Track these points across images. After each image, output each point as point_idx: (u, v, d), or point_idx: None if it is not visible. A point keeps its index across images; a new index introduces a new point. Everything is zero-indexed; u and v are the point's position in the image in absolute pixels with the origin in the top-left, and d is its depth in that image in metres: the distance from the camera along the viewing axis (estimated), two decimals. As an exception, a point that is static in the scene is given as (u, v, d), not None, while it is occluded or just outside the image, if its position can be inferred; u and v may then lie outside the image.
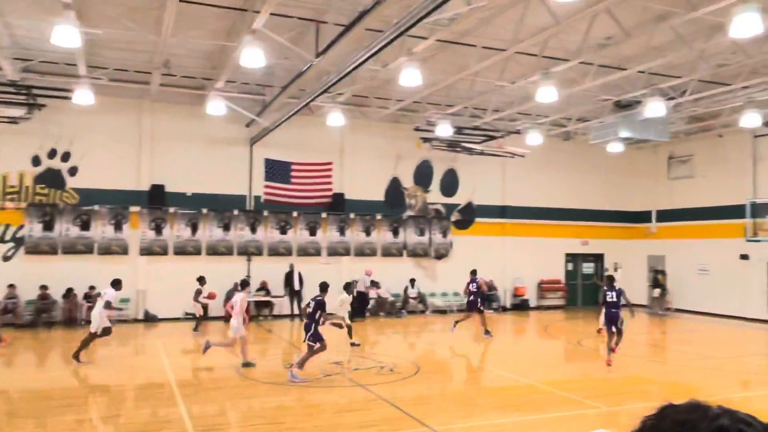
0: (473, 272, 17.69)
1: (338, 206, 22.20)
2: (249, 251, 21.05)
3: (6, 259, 18.70)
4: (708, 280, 23.58)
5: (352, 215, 22.50)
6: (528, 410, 9.64)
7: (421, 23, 10.22)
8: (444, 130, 20.24)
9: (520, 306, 24.69)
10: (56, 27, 11.40)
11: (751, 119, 18.04)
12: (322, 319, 11.41)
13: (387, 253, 23.04)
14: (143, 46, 15.60)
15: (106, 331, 13.02)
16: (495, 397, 10.75)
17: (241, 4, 12.58)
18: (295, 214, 21.71)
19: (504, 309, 24.66)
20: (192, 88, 18.95)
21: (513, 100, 19.94)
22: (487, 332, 16.87)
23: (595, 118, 21.07)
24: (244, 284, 12.91)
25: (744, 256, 22.33)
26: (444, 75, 16.40)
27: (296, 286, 20.67)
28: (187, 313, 18.04)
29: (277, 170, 21.41)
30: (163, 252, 20.04)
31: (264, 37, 11.99)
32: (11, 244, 18.83)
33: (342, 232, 22.33)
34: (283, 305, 20.82)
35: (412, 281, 22.93)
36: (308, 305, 11.80)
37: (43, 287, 18.46)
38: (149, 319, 19.40)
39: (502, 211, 25.19)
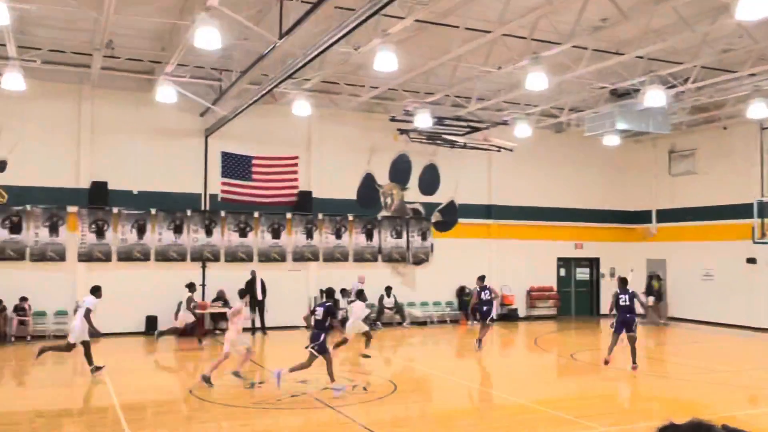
0: (482, 278, 17.98)
1: (305, 206, 22.13)
2: (204, 256, 20.88)
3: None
4: (712, 286, 24.01)
5: (320, 216, 22.45)
6: (517, 432, 9.70)
7: (397, 0, 10.23)
8: (423, 120, 20.28)
9: (508, 316, 24.85)
10: (-19, 1, 11.16)
11: (758, 109, 18.41)
12: (335, 329, 11.95)
13: (360, 258, 23.02)
14: (82, 24, 15.35)
15: (85, 345, 13.35)
16: (480, 419, 10.80)
17: (194, -23, 12.49)
18: (256, 214, 21.60)
19: (491, 319, 24.74)
20: (138, 72, 18.71)
21: (500, 88, 20.05)
22: (479, 341, 17.14)
23: (589, 108, 21.30)
24: (243, 293, 13.39)
25: (751, 260, 22.78)
26: (423, 59, 16.43)
27: (259, 296, 20.58)
28: (161, 332, 17.76)
29: (235, 165, 21.27)
30: (106, 258, 19.78)
31: (220, 15, 11.90)
32: (-71, 250, 18.39)
33: (309, 234, 22.27)
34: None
35: (388, 289, 22.95)
36: (313, 312, 12.24)
37: (-34, 299, 18.08)
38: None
39: (488, 211, 25.34)
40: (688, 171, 25.36)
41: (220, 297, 20.45)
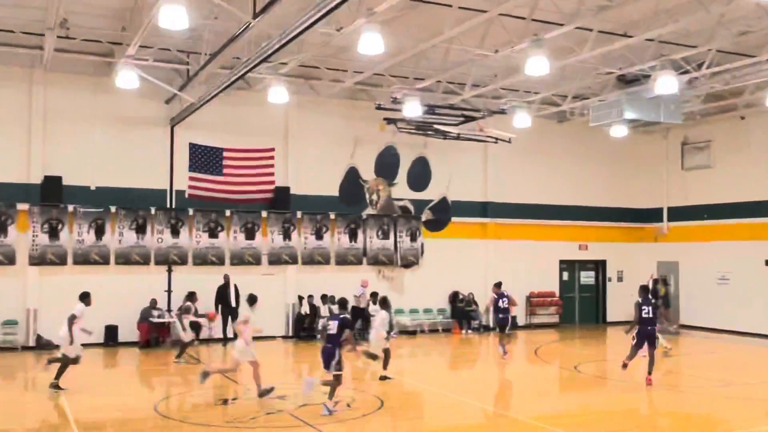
0: (498, 285, 18.37)
1: (282, 203, 22.07)
2: (170, 260, 20.76)
3: None
4: (728, 290, 24.16)
5: (299, 214, 22.39)
6: (515, 451, 9.71)
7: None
8: (412, 109, 20.23)
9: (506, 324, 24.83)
10: None
11: (778, 98, 18.55)
12: (347, 344, 11.86)
13: (342, 260, 22.99)
14: (34, 1, 15.20)
15: (66, 361, 13.54)
16: (475, 436, 10.79)
17: (158, -51, 12.38)
18: (227, 213, 21.51)
19: (486, 328, 24.82)
20: (96, 55, 18.56)
21: (496, 73, 20.06)
22: (503, 347, 17.74)
23: (594, 96, 21.36)
24: (253, 300, 12.93)
25: (770, 262, 23.01)
26: (412, 41, 16.40)
27: (232, 303, 20.51)
28: (180, 353, 17.51)
29: (204, 158, 21.15)
30: (60, 261, 19.62)
31: (188, -8, 11.83)
32: None
33: (287, 235, 22.20)
34: (214, 327, 20.55)
35: (374, 296, 22.89)
36: (325, 327, 12.19)
37: None
38: (42, 346, 18.92)
39: (484, 209, 25.35)
40: (703, 165, 25.49)
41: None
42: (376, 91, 21.75)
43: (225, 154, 21.45)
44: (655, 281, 25.16)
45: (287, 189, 22.20)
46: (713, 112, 23.82)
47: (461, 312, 24.23)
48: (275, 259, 22.06)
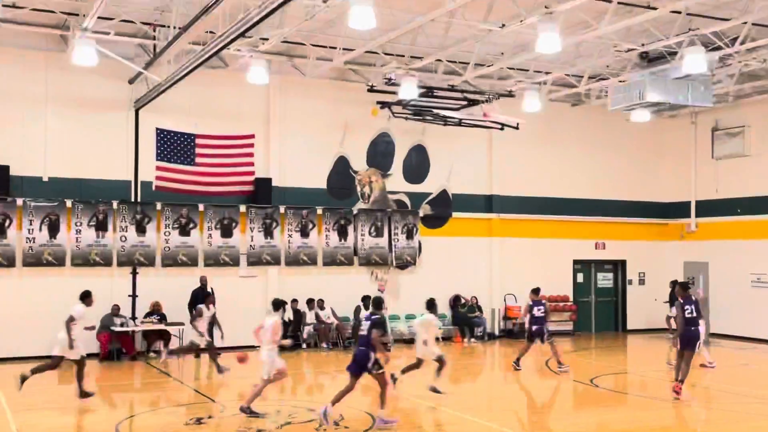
0: (536, 291, 18.64)
1: (263, 196, 22.03)
2: (135, 260, 20.68)
3: None
4: (764, 294, 24.19)
5: (282, 209, 22.36)
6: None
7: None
8: (409, 91, 20.22)
9: (513, 333, 24.86)
10: None
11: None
12: (377, 347, 12.19)
13: (331, 260, 22.96)
14: (-22, -33, 15.07)
15: (55, 363, 14.12)
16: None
17: None
18: (201, 207, 21.45)
19: (491, 336, 24.81)
20: (49, 27, 18.43)
21: (503, 51, 20.01)
22: (560, 364, 17.91)
23: (614, 76, 21.33)
24: (278, 305, 13.59)
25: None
26: (409, 14, 16.33)
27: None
28: (219, 366, 17.31)
29: (174, 146, 21.06)
30: (8, 263, 19.50)
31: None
32: None
33: (268, 232, 22.15)
34: (186, 335, 20.45)
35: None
36: (358, 327, 12.69)
37: None
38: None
39: (489, 204, 25.35)
40: (736, 153, 25.49)
41: (155, 311, 20.26)
42: (368, 71, 21.68)
43: (197, 141, 21.35)
44: (673, 284, 25.19)
45: (268, 180, 22.15)
46: (748, 93, 23.84)
47: (463, 318, 24.20)
48: (255, 260, 22.01)
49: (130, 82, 20.32)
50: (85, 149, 20.27)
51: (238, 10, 14.23)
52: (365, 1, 13.56)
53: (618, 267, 27.80)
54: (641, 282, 27.61)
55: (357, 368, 12.07)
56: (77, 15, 17.23)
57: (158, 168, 20.95)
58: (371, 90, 21.67)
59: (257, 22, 13.51)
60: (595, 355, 22.40)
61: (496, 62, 20.25)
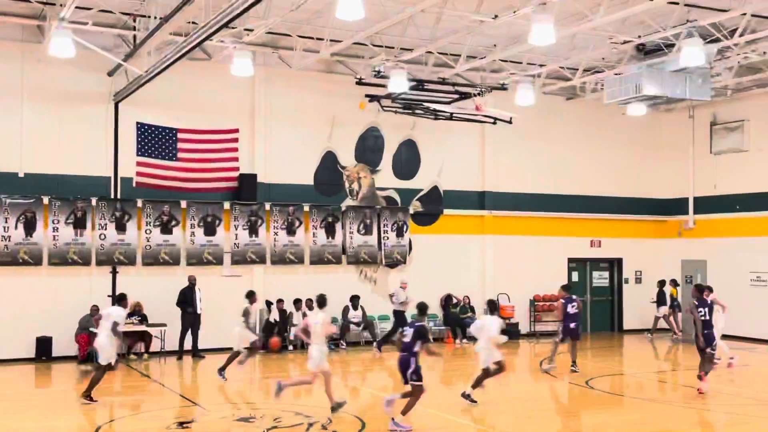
0: (567, 287, 18.89)
1: (248, 193, 21.99)
2: (115, 259, 20.61)
3: None
4: (764, 293, 24.30)
5: (267, 206, 22.32)
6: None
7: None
8: (398, 84, 20.21)
9: (507, 333, 24.81)
10: None
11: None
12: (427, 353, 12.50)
13: (318, 259, 22.94)
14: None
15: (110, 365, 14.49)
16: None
17: None
18: (183, 204, 21.40)
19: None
20: (24, 17, 18.34)
21: (496, 43, 20.00)
22: (574, 364, 18.22)
23: (609, 69, 21.36)
24: (322, 302, 13.70)
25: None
26: (399, 5, 16.31)
27: (198, 308, 20.43)
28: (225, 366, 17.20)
29: (155, 140, 21.03)
30: (-16, 261, 19.44)
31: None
32: None
33: (253, 230, 22.12)
34: (168, 337, 20.42)
35: (355, 300, 22.85)
36: (401, 332, 12.77)
37: None
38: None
39: (481, 200, 25.36)
40: (735, 148, 25.59)
41: (137, 311, 20.19)
42: (356, 64, 21.66)
43: (180, 135, 21.35)
44: (661, 283, 25.36)
45: (254, 176, 22.10)
46: (747, 86, 23.91)
47: (455, 319, 24.21)
48: (240, 258, 21.97)
49: (110, 74, 20.26)
50: (63, 144, 20.18)
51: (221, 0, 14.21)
52: (353, -10, 13.56)
53: (614, 265, 27.88)
54: (638, 281, 27.70)
55: (403, 376, 12.34)
56: (54, 4, 17.14)
57: (139, 163, 20.96)
58: (360, 83, 21.64)
59: (241, 13, 13.46)
60: (590, 356, 22.40)
61: (488, 54, 20.24)
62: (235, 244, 21.91)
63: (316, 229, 22.95)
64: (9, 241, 19.56)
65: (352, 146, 23.68)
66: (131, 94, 19.68)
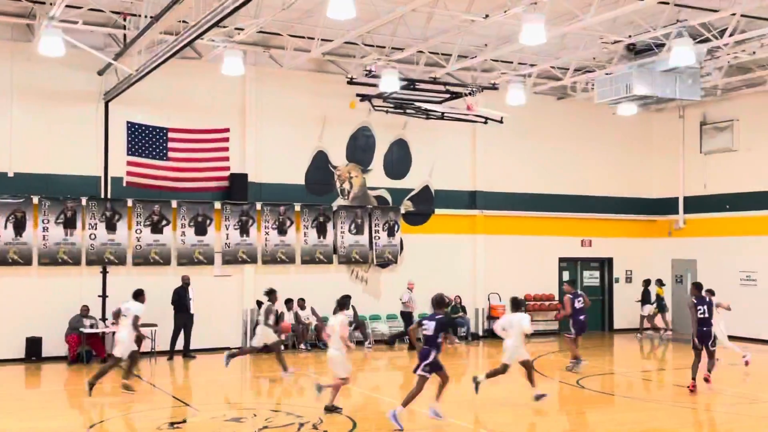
0: (572, 282, 19.36)
1: (238, 192, 21.97)
2: (105, 259, 20.55)
3: None
4: (754, 292, 24.35)
5: (258, 205, 22.30)
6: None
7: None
8: (389, 83, 20.20)
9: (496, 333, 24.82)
10: None
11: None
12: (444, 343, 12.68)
13: (309, 259, 22.93)
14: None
15: (133, 358, 15.07)
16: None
17: None
18: (174, 203, 21.36)
19: (474, 337, 24.86)
20: (13, 16, 18.30)
21: (487, 43, 20.02)
22: (577, 359, 18.49)
23: (600, 69, 21.41)
24: (342, 304, 13.81)
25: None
26: (390, 4, 16.30)
27: (192, 308, 20.40)
28: (231, 355, 17.27)
29: (146, 140, 20.98)
30: (-26, 261, 19.37)
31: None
32: None
33: (244, 229, 22.09)
34: (159, 337, 20.36)
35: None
36: (421, 325, 12.86)
37: None
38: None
39: (472, 200, 25.39)
40: (725, 148, 25.67)
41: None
42: (347, 63, 21.65)
43: (170, 134, 21.31)
44: (646, 282, 25.45)
45: (244, 176, 22.08)
46: (737, 86, 23.99)
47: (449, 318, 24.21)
48: (231, 258, 21.95)
49: (100, 73, 20.21)
50: (53, 143, 20.13)
51: (212, -2, 14.18)
52: (344, -11, 13.55)
53: (604, 265, 27.94)
54: (628, 280, 27.77)
55: (430, 368, 12.42)
56: (44, 3, 17.09)
57: (129, 163, 20.91)
58: (351, 82, 21.61)
59: (232, 12, 13.41)
60: (581, 356, 22.43)
61: (479, 54, 20.26)
62: (226, 243, 21.89)
63: (307, 228, 22.94)
64: (-2, 241, 19.54)
65: (343, 146, 23.68)
66: (121, 93, 19.63)
